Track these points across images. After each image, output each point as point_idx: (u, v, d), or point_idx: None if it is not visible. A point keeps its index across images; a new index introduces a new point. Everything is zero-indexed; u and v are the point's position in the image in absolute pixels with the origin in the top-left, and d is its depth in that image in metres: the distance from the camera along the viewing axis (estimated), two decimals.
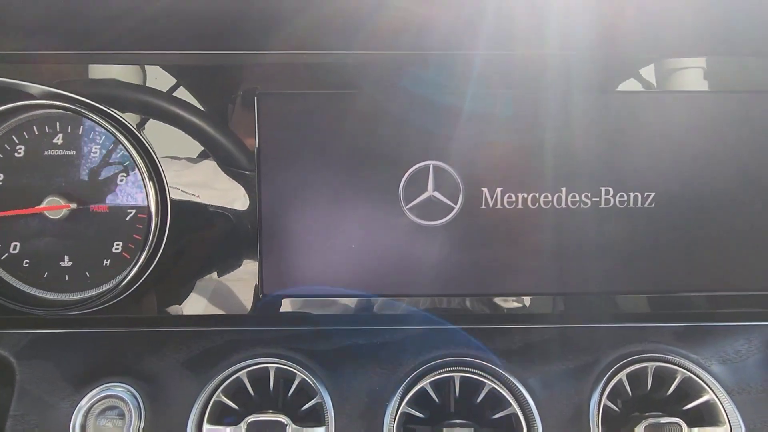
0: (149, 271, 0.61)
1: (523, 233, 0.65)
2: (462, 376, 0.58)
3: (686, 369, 0.59)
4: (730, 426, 0.57)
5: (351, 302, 0.64)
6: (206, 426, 0.57)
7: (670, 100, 0.64)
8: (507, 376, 0.58)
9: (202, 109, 0.63)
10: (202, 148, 0.63)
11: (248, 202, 0.62)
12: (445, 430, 0.56)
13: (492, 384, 0.58)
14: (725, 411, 0.57)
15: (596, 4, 0.60)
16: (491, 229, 0.64)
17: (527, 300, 0.63)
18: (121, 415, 0.59)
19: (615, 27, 0.62)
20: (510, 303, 0.64)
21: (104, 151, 0.63)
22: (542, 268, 0.64)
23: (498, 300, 0.63)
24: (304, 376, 0.59)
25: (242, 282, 0.63)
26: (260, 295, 0.63)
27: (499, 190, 0.64)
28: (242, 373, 0.60)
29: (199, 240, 0.63)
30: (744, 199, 0.65)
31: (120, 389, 0.59)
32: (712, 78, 0.65)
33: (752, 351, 0.62)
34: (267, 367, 0.60)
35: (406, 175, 0.63)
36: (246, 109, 0.62)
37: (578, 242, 0.64)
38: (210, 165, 0.62)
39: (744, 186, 0.64)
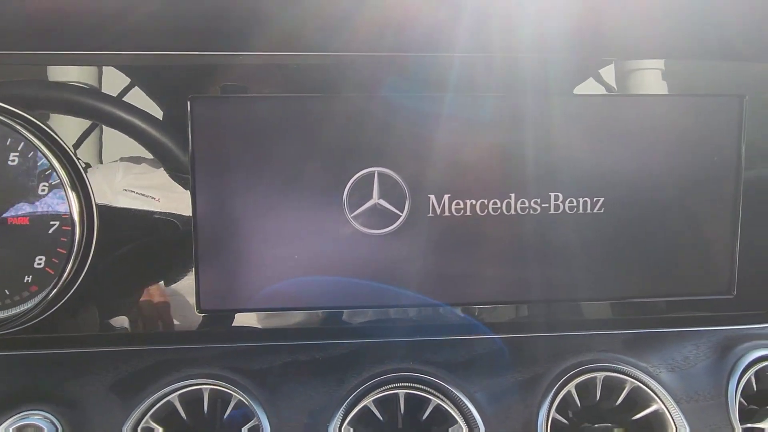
0: (75, 287, 0.57)
1: (472, 241, 0.63)
2: (407, 393, 0.56)
3: (635, 378, 0.58)
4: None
5: (292, 316, 0.61)
6: None
7: (620, 104, 0.64)
8: (453, 390, 0.56)
9: (133, 112, 0.59)
10: (133, 154, 0.59)
11: (183, 212, 0.59)
12: None
13: (437, 401, 0.56)
14: (673, 420, 0.56)
15: (545, 5, 0.59)
16: (439, 238, 0.62)
17: (474, 310, 0.61)
18: None
19: (567, 29, 0.61)
20: (456, 313, 0.62)
21: (22, 159, 0.59)
22: (490, 277, 0.62)
23: (444, 311, 0.61)
24: (240, 397, 0.56)
25: (177, 297, 0.60)
26: (197, 311, 0.60)
27: (446, 197, 0.62)
28: (173, 396, 0.56)
29: (129, 253, 0.59)
30: (693, 205, 0.64)
31: (38, 417, 0.54)
32: (667, 81, 0.64)
33: (700, 357, 0.62)
34: (200, 389, 0.56)
35: (351, 182, 0.61)
36: (180, 113, 0.58)
37: (527, 249, 0.63)
38: (142, 172, 0.58)
39: (693, 191, 0.64)
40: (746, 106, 0.63)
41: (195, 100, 0.58)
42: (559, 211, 0.63)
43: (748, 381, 0.60)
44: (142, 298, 0.59)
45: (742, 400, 0.60)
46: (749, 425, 0.58)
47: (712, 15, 0.60)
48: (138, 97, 0.59)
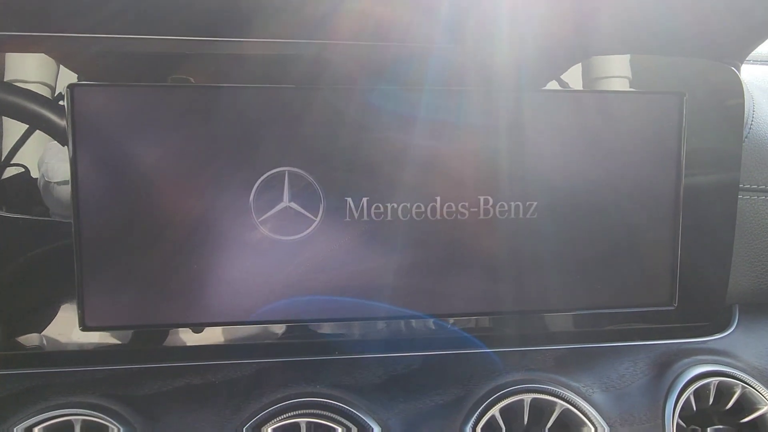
0: None
1: (393, 248, 0.57)
2: (309, 422, 0.50)
3: (565, 400, 0.52)
4: None
5: (189, 333, 0.54)
6: None
7: (556, 101, 0.59)
8: (363, 417, 0.50)
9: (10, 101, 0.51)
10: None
11: (65, 216, 0.52)
12: None
13: (341, 430, 0.49)
14: None
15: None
16: (357, 245, 0.56)
17: (391, 324, 0.56)
18: None
19: (500, 21, 0.56)
20: (373, 328, 0.56)
21: None
22: (410, 288, 0.57)
23: (360, 325, 0.55)
24: (117, 430, 0.49)
25: (56, 311, 0.52)
26: (79, 327, 0.52)
27: (365, 200, 0.56)
28: (39, 428, 0.48)
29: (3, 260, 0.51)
30: (631, 210, 0.60)
31: None
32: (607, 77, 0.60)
33: (637, 375, 0.57)
34: (71, 420, 0.49)
35: (258, 183, 0.55)
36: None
37: (454, 257, 0.57)
38: (17, 171, 0.51)
39: (632, 195, 0.59)
40: (686, 105, 0.59)
41: (76, 89, 0.51)
42: (489, 216, 0.58)
43: (687, 400, 0.55)
44: (13, 313, 0.52)
45: (680, 421, 0.55)
46: None
47: (656, 10, 0.56)
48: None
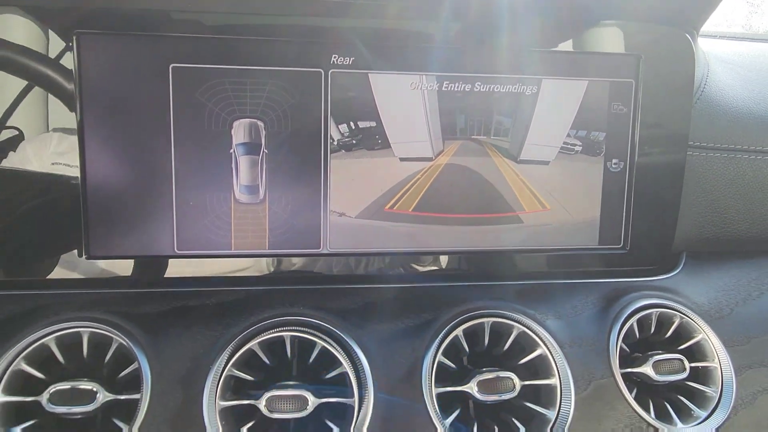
0: None
1: (364, 183, 0.62)
2: (293, 336, 0.55)
3: (521, 324, 0.59)
4: (560, 378, 0.57)
5: (184, 264, 0.59)
6: (1, 396, 0.51)
7: (531, 57, 0.64)
8: (340, 334, 0.56)
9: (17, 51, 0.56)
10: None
11: (72, 160, 0.57)
12: (275, 391, 0.53)
13: (323, 343, 0.55)
14: (556, 364, 0.58)
15: None
16: (330, 181, 0.62)
17: (368, 260, 0.61)
18: None
19: None
20: (350, 263, 0.62)
21: None
22: (386, 227, 0.63)
23: (338, 260, 0.61)
24: (121, 341, 0.54)
25: (61, 242, 0.57)
26: (82, 256, 0.58)
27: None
28: (49, 339, 0.54)
29: (10, 194, 0.56)
30: (590, 162, 0.66)
31: None
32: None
33: (588, 306, 0.63)
34: (80, 332, 0.55)
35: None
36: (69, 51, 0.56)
37: (428, 198, 0.64)
38: (26, 111, 0.56)
39: (591, 148, 0.65)
40: (642, 65, 0.65)
41: (83, 37, 0.56)
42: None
43: (631, 329, 0.62)
44: (22, 242, 0.57)
45: (624, 346, 0.62)
46: (629, 370, 0.60)
47: None
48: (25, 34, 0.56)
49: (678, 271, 0.68)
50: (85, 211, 0.57)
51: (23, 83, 0.56)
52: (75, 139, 0.57)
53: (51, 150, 0.58)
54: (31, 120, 0.58)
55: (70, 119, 0.57)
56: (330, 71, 0.60)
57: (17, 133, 0.58)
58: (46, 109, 0.58)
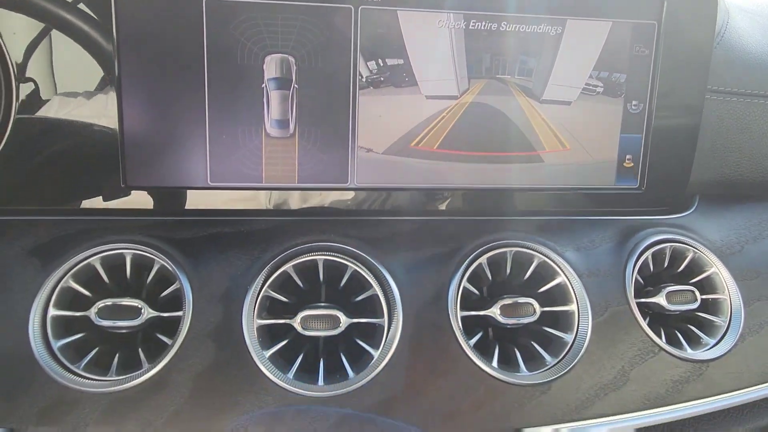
0: None
1: (391, 120, 0.64)
2: (326, 260, 0.58)
3: (542, 254, 0.62)
4: (578, 304, 0.61)
5: (217, 195, 0.62)
6: (52, 311, 0.54)
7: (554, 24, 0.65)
8: (370, 260, 0.59)
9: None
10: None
11: (108, 86, 0.58)
12: (309, 311, 0.56)
13: (355, 267, 0.58)
14: (574, 292, 0.61)
15: None
16: (358, 117, 0.63)
17: (393, 196, 0.64)
18: None
19: None
20: (376, 197, 0.64)
21: None
22: (415, 165, 0.65)
23: (363, 194, 0.63)
24: (163, 263, 0.57)
25: (102, 172, 0.60)
26: (122, 185, 0.60)
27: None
28: (95, 259, 0.57)
29: (51, 124, 0.58)
30: (611, 107, 0.68)
31: None
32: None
33: (605, 240, 0.66)
34: (123, 254, 0.57)
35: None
36: None
37: (452, 136, 0.65)
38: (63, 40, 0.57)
39: (613, 91, 0.67)
40: (666, 8, 0.66)
41: None
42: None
43: (646, 262, 0.65)
44: (62, 172, 0.59)
45: (639, 279, 0.65)
46: (643, 300, 0.63)
47: None
48: None
49: (692, 211, 0.71)
50: (122, 144, 0.59)
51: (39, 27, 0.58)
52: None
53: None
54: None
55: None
56: (360, 7, 0.61)
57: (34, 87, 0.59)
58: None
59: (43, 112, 0.57)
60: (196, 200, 0.62)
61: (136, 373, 0.54)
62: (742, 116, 0.72)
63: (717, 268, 0.65)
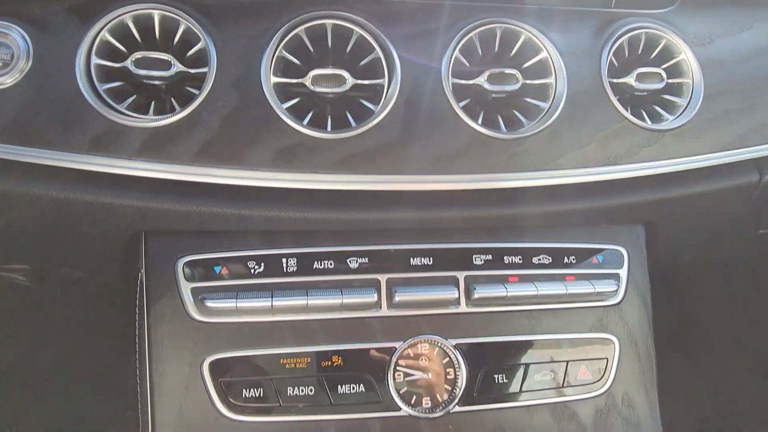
0: None
1: None
2: (334, 24, 0.65)
3: (529, 32, 0.68)
4: (555, 76, 0.68)
5: None
6: (94, 59, 0.62)
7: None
8: (374, 28, 0.65)
9: None
10: None
11: None
12: (319, 70, 0.64)
13: (360, 31, 0.65)
14: (554, 66, 0.68)
15: None
16: None
17: None
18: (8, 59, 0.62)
19: None
20: None
21: None
22: None
23: None
24: (188, 24, 0.63)
25: None
26: None
27: None
28: (127, 17, 0.63)
29: None
30: None
31: (7, 30, 0.61)
32: None
33: (589, 26, 0.71)
34: (152, 14, 0.64)
35: None
36: None
37: None
38: None
39: None
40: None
41: None
42: None
43: (621, 46, 0.71)
44: None
45: (615, 61, 0.72)
46: (615, 80, 0.71)
47: None
48: None
49: (674, 6, 0.75)
50: None
51: None
52: None
53: None
54: None
55: None
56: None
57: None
58: None
59: None
60: None
61: (172, 114, 0.62)
62: None
63: (686, 55, 0.72)
